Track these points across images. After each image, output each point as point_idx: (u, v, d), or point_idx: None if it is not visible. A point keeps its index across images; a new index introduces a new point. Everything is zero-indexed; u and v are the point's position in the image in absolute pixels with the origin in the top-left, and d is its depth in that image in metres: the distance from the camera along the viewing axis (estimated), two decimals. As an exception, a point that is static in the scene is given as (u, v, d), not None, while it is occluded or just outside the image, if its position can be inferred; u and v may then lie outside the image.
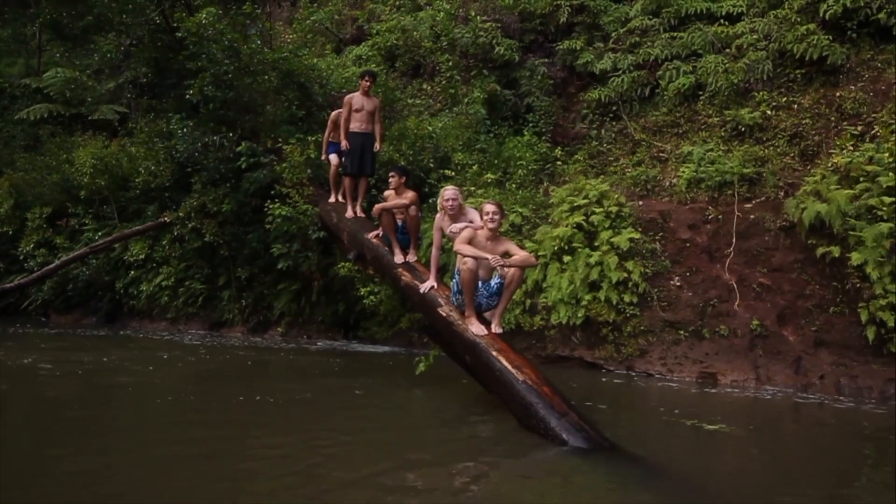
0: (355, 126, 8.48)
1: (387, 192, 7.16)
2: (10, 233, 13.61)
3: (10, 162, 15.00)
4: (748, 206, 8.24)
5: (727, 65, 9.76)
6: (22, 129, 16.16)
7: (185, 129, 10.88)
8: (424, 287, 6.13)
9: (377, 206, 6.97)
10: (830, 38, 9.02)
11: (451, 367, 6.50)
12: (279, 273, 10.22)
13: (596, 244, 8.37)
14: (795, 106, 9.04)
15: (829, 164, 7.90)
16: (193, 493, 3.36)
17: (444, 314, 5.81)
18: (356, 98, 8.53)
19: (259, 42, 10.96)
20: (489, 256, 5.25)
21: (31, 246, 13.29)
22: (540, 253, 8.42)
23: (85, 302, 13.23)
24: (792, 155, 8.61)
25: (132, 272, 12.29)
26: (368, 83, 8.54)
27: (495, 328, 5.51)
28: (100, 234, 12.66)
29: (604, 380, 7.47)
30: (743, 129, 9.12)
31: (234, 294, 11.22)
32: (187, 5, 11.99)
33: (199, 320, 11.81)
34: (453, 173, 9.84)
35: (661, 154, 9.77)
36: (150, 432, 4.68)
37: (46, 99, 16.20)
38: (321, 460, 4.08)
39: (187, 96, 10.55)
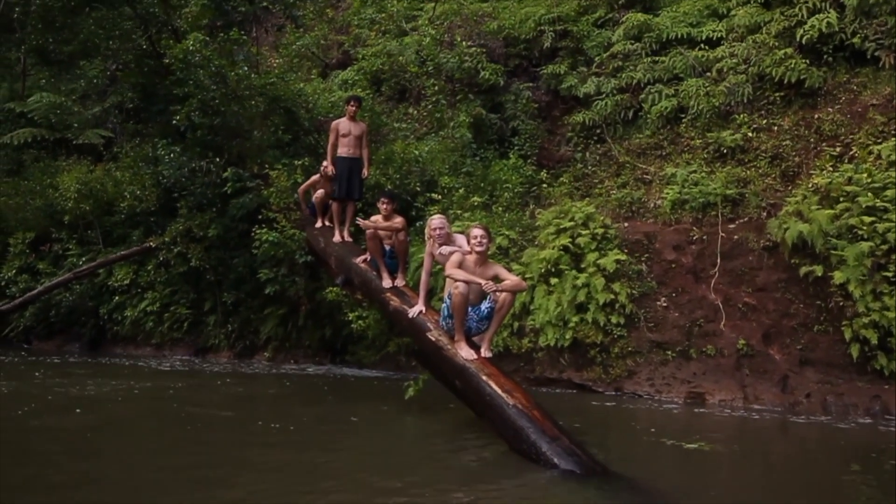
0: (343, 151, 8.53)
1: (374, 217, 7.19)
2: (-6, 257, 13.46)
3: (-7, 187, 14.85)
4: (732, 226, 8.35)
5: (708, 88, 9.94)
6: (5, 154, 16.01)
7: (171, 154, 10.86)
8: (413, 312, 6.14)
9: (366, 223, 6.99)
10: (808, 61, 9.23)
11: (441, 391, 6.49)
12: (266, 298, 10.18)
13: (583, 266, 8.42)
14: (775, 128, 9.22)
15: (810, 185, 8.05)
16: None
17: (433, 339, 5.81)
18: (343, 123, 8.59)
19: (246, 67, 11.01)
20: (482, 281, 5.27)
21: (13, 272, 13.13)
22: (527, 275, 8.45)
23: (68, 328, 13.05)
24: (773, 176, 8.75)
25: (116, 297, 12.17)
26: (354, 108, 8.61)
27: (485, 352, 5.53)
28: (84, 259, 12.54)
29: (593, 402, 7.48)
30: (725, 150, 9.26)
31: (221, 319, 11.14)
32: (174, 31, 12.05)
33: (184, 345, 11.70)
34: (440, 197, 9.89)
35: (645, 176, 9.89)
36: (137, 459, 4.61)
37: (31, 123, 16.08)
38: (313, 487, 4.05)
39: (174, 121, 10.56)
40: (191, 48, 10.34)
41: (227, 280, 10.93)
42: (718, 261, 8.13)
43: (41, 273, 13.01)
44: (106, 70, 15.07)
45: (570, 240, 8.64)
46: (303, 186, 9.43)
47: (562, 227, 8.81)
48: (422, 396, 6.61)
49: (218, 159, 10.57)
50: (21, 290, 12.72)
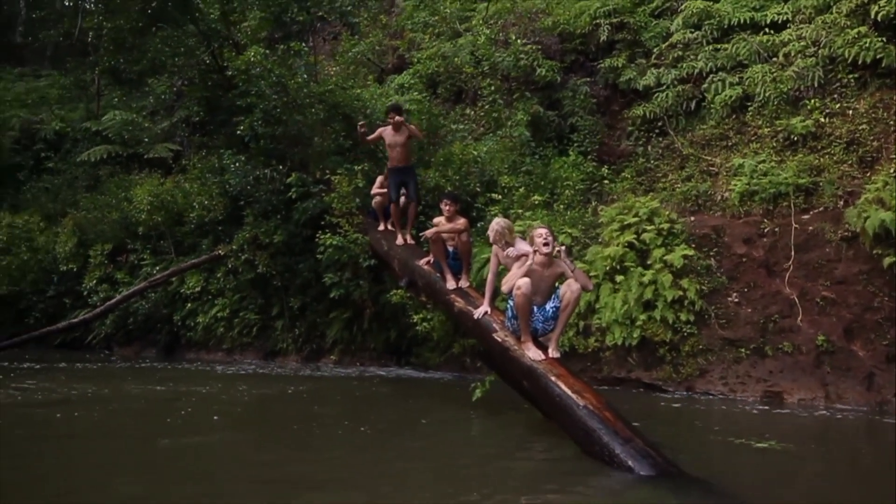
0: (391, 163, 8.59)
1: (437, 219, 7.21)
2: (75, 269, 14.14)
3: (73, 202, 15.66)
4: (806, 217, 8.01)
5: (775, 74, 9.56)
6: (83, 171, 16.89)
7: (236, 164, 11.21)
8: (478, 312, 6.13)
9: (430, 231, 7.02)
10: (884, 39, 8.76)
11: (508, 393, 6.46)
12: (331, 302, 10.36)
13: (649, 262, 8.24)
14: (850, 112, 8.78)
15: (891, 170, 7.64)
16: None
17: (499, 339, 5.79)
18: (387, 132, 8.51)
19: (305, 76, 11.24)
20: (528, 249, 5.29)
21: (94, 282, 13.78)
22: (592, 273, 8.32)
23: (145, 334, 13.61)
24: (850, 162, 8.34)
25: (189, 304, 12.62)
26: (396, 118, 8.38)
27: (552, 353, 5.46)
28: (157, 268, 13.06)
29: (662, 402, 7.30)
30: (795, 138, 8.88)
31: (288, 323, 11.40)
32: (235, 45, 12.41)
33: (253, 350, 12.02)
34: (500, 196, 9.85)
35: (711, 168, 9.60)
36: (209, 463, 4.76)
37: (105, 141, 16.91)
38: (384, 489, 4.08)
39: (238, 132, 10.87)
40: (252, 60, 10.62)
41: (292, 285, 11.17)
42: (792, 253, 7.80)
43: (119, 283, 13.62)
44: (172, 86, 15.63)
45: (635, 236, 8.46)
46: (374, 191, 9.55)
47: (626, 223, 8.64)
48: (489, 398, 6.59)
49: (281, 167, 10.84)
50: (101, 299, 13.34)
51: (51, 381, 8.53)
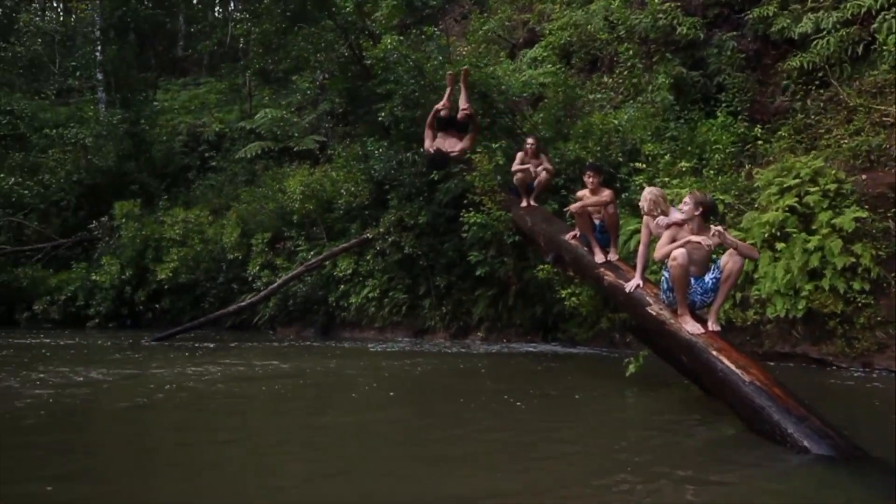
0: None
1: (580, 192, 7.10)
2: (240, 258, 15.40)
3: (235, 196, 17.05)
4: None
5: (963, 6, 8.42)
6: (241, 167, 18.32)
7: (379, 150, 11.68)
8: (630, 285, 6.00)
9: (575, 206, 6.92)
10: None
11: (662, 368, 6.29)
12: (476, 279, 10.57)
13: (813, 227, 7.63)
14: None
15: None
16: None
17: (654, 313, 5.64)
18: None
19: (440, 58, 11.43)
20: (700, 239, 5.08)
21: (257, 268, 14.94)
22: (749, 242, 7.84)
23: (304, 315, 14.58)
24: None
25: (342, 286, 13.36)
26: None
27: (712, 326, 5.24)
28: (312, 253, 13.94)
29: (833, 380, 6.77)
30: None
31: (435, 302, 11.78)
32: (371, 35, 12.87)
33: (403, 328, 12.55)
34: (644, 165, 9.53)
35: (884, 119, 8.65)
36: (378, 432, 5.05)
37: (258, 138, 18.23)
38: (538, 462, 4.13)
39: (379, 118, 11.30)
40: (388, 48, 10.97)
41: (438, 265, 11.52)
42: None
43: (278, 268, 14.68)
44: (315, 81, 16.52)
45: (797, 199, 7.86)
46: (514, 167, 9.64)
47: (785, 185, 8.05)
48: (642, 374, 6.45)
49: (422, 149, 11.14)
50: (264, 283, 14.46)
51: (234, 358, 9.37)
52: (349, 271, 13.12)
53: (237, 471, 4.05)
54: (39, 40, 23.24)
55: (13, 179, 18.35)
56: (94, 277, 16.32)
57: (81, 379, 7.23)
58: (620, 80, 11.63)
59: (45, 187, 18.55)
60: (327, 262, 13.48)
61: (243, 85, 21.03)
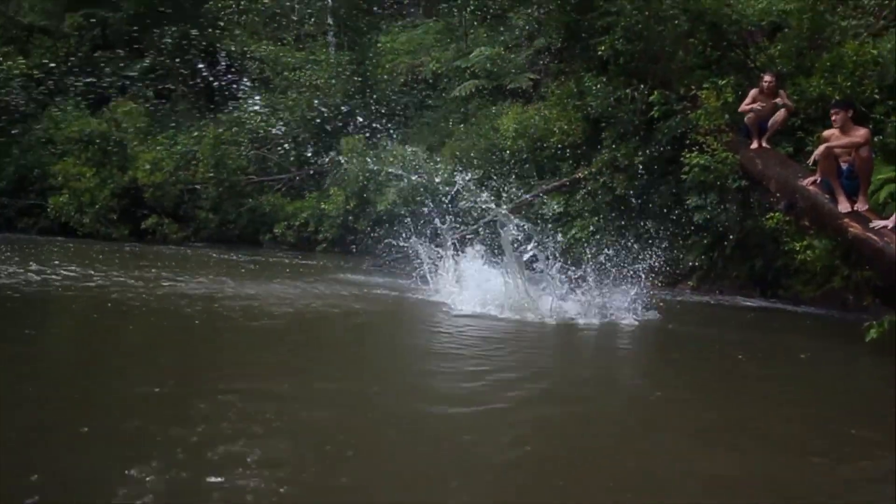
0: None
1: (827, 132, 6.34)
2: (452, 193, 16.05)
3: (449, 134, 17.65)
4: None
5: None
6: (456, 105, 18.84)
7: (597, 86, 11.33)
8: (878, 223, 5.27)
9: (822, 148, 6.20)
10: None
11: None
12: (692, 226, 9.99)
13: None
14: None
15: None
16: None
17: (911, 272, 4.96)
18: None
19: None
20: None
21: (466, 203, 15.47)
22: None
23: (509, 251, 14.90)
24: None
25: (549, 225, 13.38)
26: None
27: None
28: (521, 191, 14.09)
29: None
30: None
31: (645, 247, 11.36)
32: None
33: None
34: (907, 103, 8.21)
35: None
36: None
37: (473, 76, 18.54)
38: (763, 430, 3.89)
39: (599, 53, 10.91)
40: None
41: (650, 209, 11.05)
42: None
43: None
44: (532, 17, 16.29)
45: None
46: (745, 106, 8.85)
47: None
48: (878, 341, 5.72)
49: (642, 85, 10.63)
50: (473, 218, 14.96)
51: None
52: (559, 210, 13.09)
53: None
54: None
55: (259, 118, 20.69)
56: (322, 206, 18.06)
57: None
58: (885, 2, 9.98)
59: (285, 124, 20.67)
60: (536, 201, 13.55)
61: (459, 24, 21.39)
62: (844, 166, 6.21)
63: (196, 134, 19.73)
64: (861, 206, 6.00)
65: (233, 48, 22.26)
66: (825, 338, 6.89)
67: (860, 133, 6.02)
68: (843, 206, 6.02)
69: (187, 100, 22.63)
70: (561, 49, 14.15)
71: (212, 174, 18.64)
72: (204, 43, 22.62)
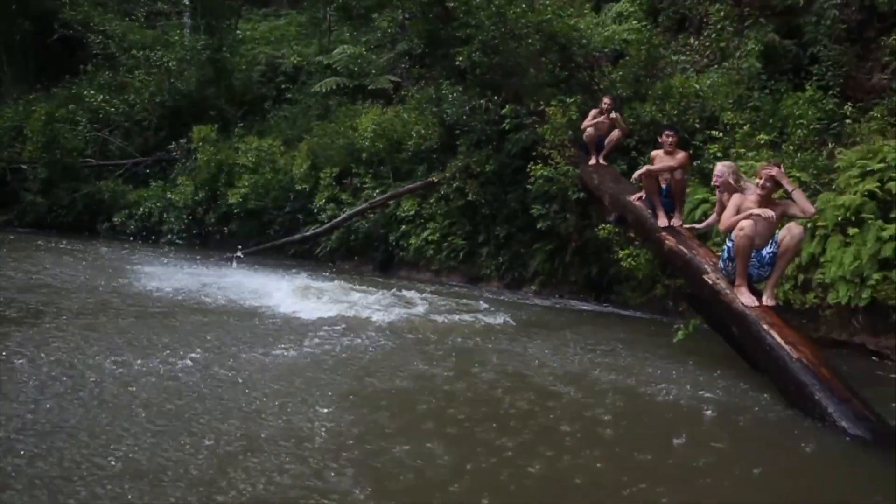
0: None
1: (654, 153, 7.05)
2: (307, 189, 15.78)
3: (307, 129, 17.35)
4: None
5: None
6: (316, 101, 18.57)
7: (454, 94, 11.72)
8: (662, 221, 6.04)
9: (644, 169, 6.90)
10: None
11: (713, 339, 6.29)
12: (536, 232, 10.64)
13: (892, 216, 7.34)
14: None
15: None
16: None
17: (710, 281, 5.65)
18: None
19: (523, 6, 11.25)
20: (759, 211, 5.05)
21: (323, 201, 15.29)
22: (819, 223, 7.63)
23: (363, 251, 14.90)
24: None
25: (403, 226, 13.61)
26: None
27: (767, 300, 5.24)
28: (377, 191, 14.20)
29: (887, 372, 6.62)
30: None
31: (492, 251, 11.93)
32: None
33: (459, 273, 12.76)
34: (720, 134, 9.26)
35: None
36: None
37: (335, 73, 18.39)
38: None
39: (457, 63, 11.28)
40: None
41: (500, 214, 11.61)
42: None
43: (343, 203, 14.99)
44: (395, 20, 16.47)
45: (879, 184, 7.52)
46: (585, 124, 9.54)
47: (868, 168, 7.71)
48: (690, 343, 6.47)
49: (496, 97, 11.14)
50: (328, 216, 14.85)
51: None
52: (412, 212, 13.35)
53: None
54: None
55: (101, 97, 19.19)
56: (169, 196, 17.10)
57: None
58: (707, 43, 11.19)
59: (130, 106, 19.32)
60: (391, 202, 13.73)
61: (323, 19, 21.12)
62: (664, 185, 6.96)
63: (23, 108, 17.93)
64: (676, 222, 6.77)
65: (74, 15, 20.40)
66: (645, 341, 7.62)
67: (678, 157, 6.78)
68: (662, 221, 6.76)
69: (15, 68, 20.47)
70: (422, 55, 14.43)
71: (43, 154, 17.01)
72: (38, 8, 20.59)
